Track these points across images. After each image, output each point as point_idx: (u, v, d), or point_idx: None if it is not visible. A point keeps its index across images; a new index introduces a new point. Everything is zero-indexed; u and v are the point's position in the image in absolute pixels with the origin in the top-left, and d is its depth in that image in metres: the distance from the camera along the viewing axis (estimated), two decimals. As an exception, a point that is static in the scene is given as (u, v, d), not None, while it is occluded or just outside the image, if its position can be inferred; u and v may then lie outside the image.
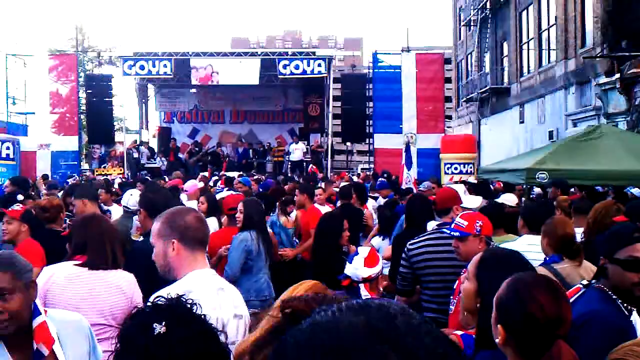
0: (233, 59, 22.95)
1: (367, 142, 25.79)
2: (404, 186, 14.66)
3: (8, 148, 20.01)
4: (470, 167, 19.37)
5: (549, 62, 23.38)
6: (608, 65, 17.04)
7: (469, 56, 33.68)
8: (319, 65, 22.20)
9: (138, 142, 25.25)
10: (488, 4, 28.10)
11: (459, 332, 2.90)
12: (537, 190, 11.26)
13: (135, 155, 23.78)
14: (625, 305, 2.87)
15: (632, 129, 15.31)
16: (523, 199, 10.29)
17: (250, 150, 26.08)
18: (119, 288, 3.75)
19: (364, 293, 3.55)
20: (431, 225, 5.40)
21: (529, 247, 4.44)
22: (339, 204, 9.08)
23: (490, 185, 12.12)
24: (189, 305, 1.85)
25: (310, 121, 27.73)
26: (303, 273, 6.67)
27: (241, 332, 2.85)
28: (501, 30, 28.36)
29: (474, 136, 24.25)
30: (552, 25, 22.50)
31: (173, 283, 2.83)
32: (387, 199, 10.45)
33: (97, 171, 22.04)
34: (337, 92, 25.12)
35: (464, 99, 33.13)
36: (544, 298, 2.13)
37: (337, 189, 10.92)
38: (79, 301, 3.59)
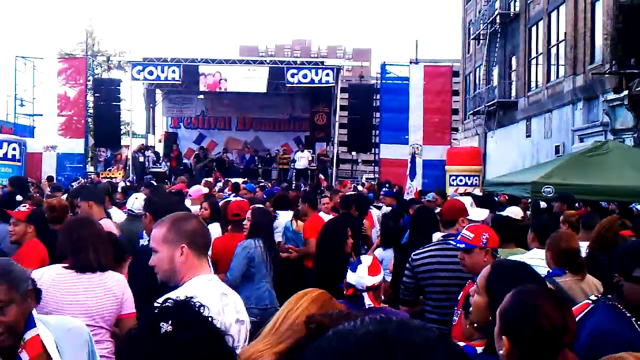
0: (242, 67, 22.99)
1: (372, 152, 25.82)
2: (405, 197, 14.65)
3: (14, 149, 20.05)
4: (476, 180, 19.35)
5: (557, 77, 23.39)
6: (616, 81, 17.05)
7: (477, 69, 33.72)
8: (327, 74, 22.25)
9: (144, 147, 25.30)
10: (498, 18, 28.17)
11: (462, 344, 2.88)
12: (542, 204, 11.22)
13: (141, 159, 23.84)
14: (639, 323, 2.83)
15: (638, 146, 15.29)
16: (528, 212, 10.25)
17: (256, 157, 26.12)
18: (108, 290, 3.76)
19: (368, 302, 3.52)
20: (436, 236, 5.39)
21: (534, 260, 4.41)
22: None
23: (495, 198, 12.09)
24: (196, 308, 1.85)
25: (316, 130, 27.75)
26: (305, 281, 6.65)
27: (242, 337, 2.85)
28: (510, 44, 28.39)
29: (479, 149, 24.27)
30: (562, 40, 22.53)
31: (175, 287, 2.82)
32: (391, 209, 10.43)
33: (101, 174, 22.08)
34: (345, 102, 25.16)
35: (471, 111, 33.16)
36: (549, 307, 2.13)
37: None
38: (65, 303, 3.60)
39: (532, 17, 25.76)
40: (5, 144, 19.84)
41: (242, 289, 5.45)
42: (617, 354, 2.02)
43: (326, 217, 8.26)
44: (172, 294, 2.38)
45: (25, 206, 5.59)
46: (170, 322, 1.73)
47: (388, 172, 21.44)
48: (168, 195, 9.58)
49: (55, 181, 16.76)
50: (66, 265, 3.75)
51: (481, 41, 31.87)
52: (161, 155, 25.88)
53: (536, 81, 25.88)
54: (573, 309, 3.05)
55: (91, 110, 24.96)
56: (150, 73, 22.31)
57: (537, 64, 25.75)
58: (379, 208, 11.47)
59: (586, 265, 4.22)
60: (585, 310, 2.96)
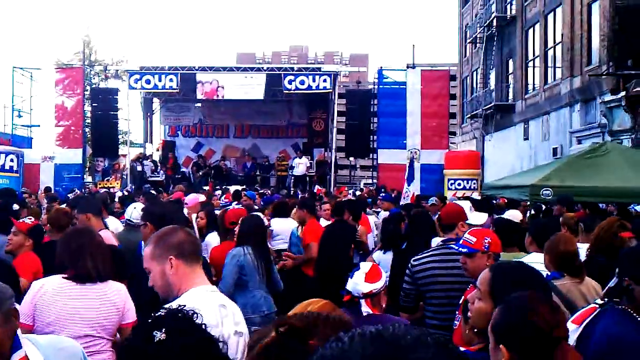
0: (239, 74, 22.99)
1: (370, 157, 25.80)
2: (402, 202, 14.64)
3: (12, 160, 20.02)
4: (474, 183, 19.33)
5: (554, 79, 23.41)
6: (613, 83, 17.05)
7: (474, 73, 33.74)
8: (324, 80, 22.25)
9: (142, 156, 25.28)
10: (494, 21, 28.19)
11: (462, 349, 2.85)
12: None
13: (139, 168, 23.81)
14: None
15: (637, 147, 15.27)
16: (527, 215, 10.22)
17: (254, 165, 26.11)
18: (109, 299, 3.75)
19: (365, 309, 3.48)
20: (436, 241, 5.35)
21: (532, 264, 4.37)
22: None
23: (493, 201, 12.07)
24: (189, 315, 1.86)
25: (314, 136, 27.77)
26: (304, 288, 6.61)
27: (241, 349, 2.82)
28: (507, 47, 28.42)
29: (477, 152, 24.24)
30: (558, 43, 22.56)
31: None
32: (391, 214, 10.40)
33: (99, 184, 22.04)
34: (342, 108, 25.15)
35: (469, 115, 33.17)
36: (543, 308, 2.17)
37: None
38: (67, 314, 3.59)
39: (529, 20, 25.79)
40: (2, 156, 19.81)
41: (237, 297, 5.39)
42: None
43: (325, 224, 8.24)
44: (169, 306, 2.37)
45: (30, 219, 5.64)
46: (163, 330, 1.74)
47: (387, 177, 21.44)
48: (166, 203, 9.56)
49: (53, 192, 16.71)
50: (66, 276, 3.73)
51: (478, 44, 31.89)
52: (159, 164, 25.86)
53: (533, 84, 25.90)
54: (579, 313, 3.03)
55: (89, 120, 24.94)
56: (148, 82, 22.31)
57: (534, 67, 25.77)
58: (377, 213, 11.43)
59: (585, 268, 4.19)
60: (593, 314, 2.91)
